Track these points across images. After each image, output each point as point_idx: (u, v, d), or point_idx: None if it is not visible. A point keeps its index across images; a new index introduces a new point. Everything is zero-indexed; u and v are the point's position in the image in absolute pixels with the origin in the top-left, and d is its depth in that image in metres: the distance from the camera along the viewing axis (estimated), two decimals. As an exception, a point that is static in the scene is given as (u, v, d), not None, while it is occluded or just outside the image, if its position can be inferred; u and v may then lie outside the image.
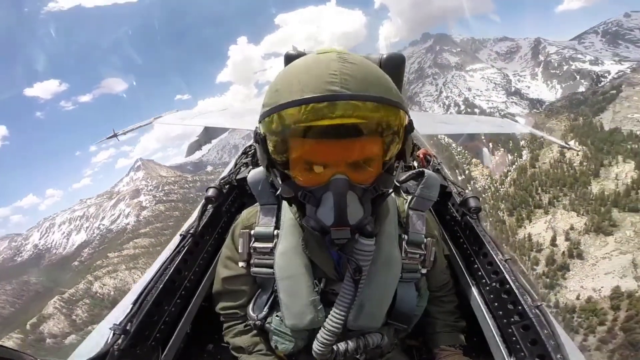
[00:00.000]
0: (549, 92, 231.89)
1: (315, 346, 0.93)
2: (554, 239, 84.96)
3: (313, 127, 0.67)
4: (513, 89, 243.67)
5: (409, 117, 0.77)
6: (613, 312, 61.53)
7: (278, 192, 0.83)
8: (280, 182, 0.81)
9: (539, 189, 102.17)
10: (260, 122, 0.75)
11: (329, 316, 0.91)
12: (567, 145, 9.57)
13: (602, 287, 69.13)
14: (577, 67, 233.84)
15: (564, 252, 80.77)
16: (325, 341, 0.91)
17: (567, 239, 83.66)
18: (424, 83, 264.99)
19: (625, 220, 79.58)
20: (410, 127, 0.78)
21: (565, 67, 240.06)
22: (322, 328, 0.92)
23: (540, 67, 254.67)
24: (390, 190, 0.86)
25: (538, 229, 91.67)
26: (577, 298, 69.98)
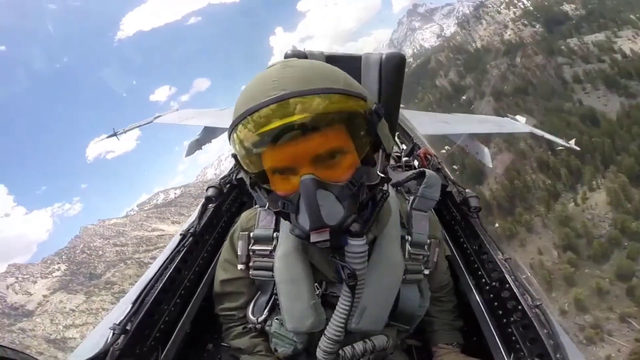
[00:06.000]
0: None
1: (319, 354, 0.90)
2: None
3: (267, 134, 0.66)
4: (442, 34, 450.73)
5: (375, 104, 0.75)
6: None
7: (266, 206, 0.84)
8: (265, 197, 0.81)
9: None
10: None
11: (329, 323, 0.88)
12: (567, 144, 9.55)
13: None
14: (466, 13, 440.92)
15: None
16: (327, 349, 0.88)
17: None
18: (406, 42, 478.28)
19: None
20: (378, 114, 0.73)
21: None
22: (323, 335, 0.89)
23: (457, 18, 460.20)
24: (384, 187, 0.82)
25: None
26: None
